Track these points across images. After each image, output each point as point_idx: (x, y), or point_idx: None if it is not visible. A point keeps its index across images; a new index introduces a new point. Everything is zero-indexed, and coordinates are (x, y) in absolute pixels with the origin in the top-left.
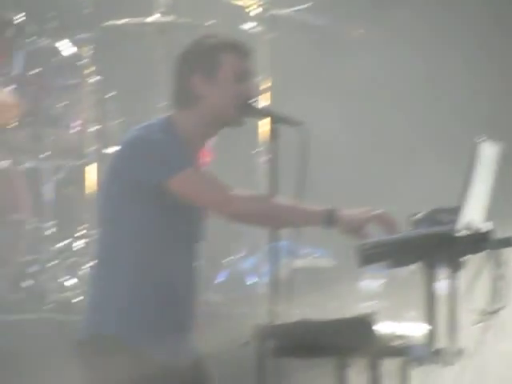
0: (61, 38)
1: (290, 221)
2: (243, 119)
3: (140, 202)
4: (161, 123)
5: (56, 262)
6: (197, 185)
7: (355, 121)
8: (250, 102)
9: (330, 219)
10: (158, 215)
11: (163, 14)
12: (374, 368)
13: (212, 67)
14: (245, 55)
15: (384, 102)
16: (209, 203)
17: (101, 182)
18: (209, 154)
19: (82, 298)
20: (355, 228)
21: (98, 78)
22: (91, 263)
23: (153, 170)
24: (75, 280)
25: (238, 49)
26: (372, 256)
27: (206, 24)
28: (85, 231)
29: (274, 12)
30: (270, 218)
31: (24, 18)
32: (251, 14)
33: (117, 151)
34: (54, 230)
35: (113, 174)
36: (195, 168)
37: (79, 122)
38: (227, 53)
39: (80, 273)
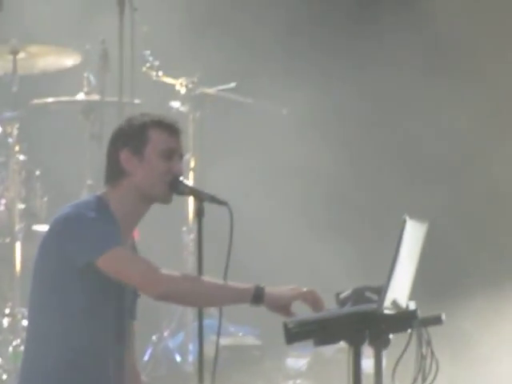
0: None
1: (218, 299)
2: (170, 197)
3: (70, 279)
4: (92, 201)
5: None
6: (124, 265)
7: (281, 198)
8: (177, 179)
9: (257, 297)
10: (88, 293)
11: (88, 93)
12: None
13: (139, 144)
14: (172, 133)
15: (309, 179)
16: (137, 283)
17: (32, 260)
18: (135, 232)
19: (9, 374)
20: (282, 306)
21: (23, 157)
22: (18, 340)
23: (82, 248)
24: (3, 358)
25: (166, 126)
26: (298, 334)
27: (135, 102)
28: (12, 309)
29: (202, 90)
30: (199, 297)
31: None
32: (180, 92)
33: (48, 229)
34: None
35: (43, 251)
36: (124, 247)
37: (5, 199)
38: (155, 130)
39: (7, 350)
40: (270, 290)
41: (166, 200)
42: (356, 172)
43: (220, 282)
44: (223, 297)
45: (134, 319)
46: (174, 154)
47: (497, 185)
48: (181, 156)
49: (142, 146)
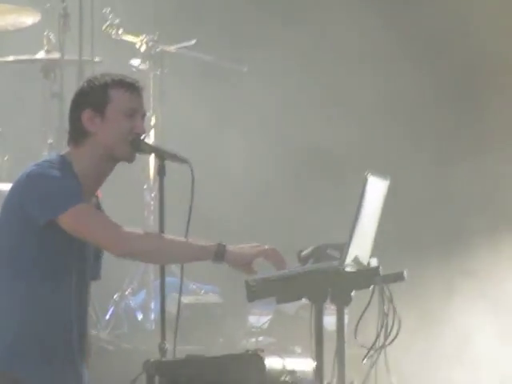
0: None
1: (180, 256)
2: (133, 155)
3: (33, 238)
4: (55, 160)
5: None
6: (88, 221)
7: (244, 153)
8: (139, 138)
9: (219, 254)
10: (50, 252)
11: (48, 51)
12: None
13: (101, 104)
14: (134, 92)
15: (271, 134)
16: (100, 240)
17: None
18: (98, 193)
19: None
20: (244, 263)
21: None
22: None
23: (44, 206)
24: None
25: (127, 85)
26: (260, 291)
27: (95, 60)
28: None
29: (162, 48)
30: (161, 253)
31: None
32: (140, 50)
33: (10, 188)
34: None
35: (6, 209)
36: (87, 204)
37: None
38: (116, 89)
39: None
40: (232, 247)
41: (128, 159)
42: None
43: (182, 239)
44: (185, 254)
45: (97, 279)
46: (135, 113)
47: None
48: (143, 115)
49: (104, 105)
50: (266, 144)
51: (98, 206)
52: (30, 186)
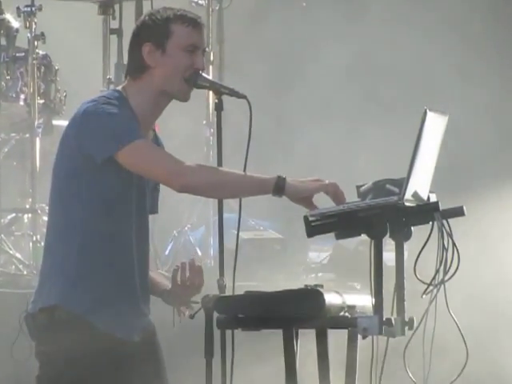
0: (6, 10)
1: (241, 189)
2: (189, 92)
3: (92, 176)
4: (112, 95)
5: (3, 235)
6: (147, 157)
7: (303, 92)
8: (197, 73)
9: (279, 187)
10: (110, 190)
11: None
12: (322, 339)
13: (162, 38)
14: (195, 27)
15: (332, 73)
16: (160, 175)
17: (52, 155)
18: (156, 126)
19: (30, 271)
20: (304, 196)
21: (42, 51)
22: (38, 236)
23: (102, 143)
24: (23, 253)
25: (189, 21)
26: (319, 227)
27: None
28: (32, 204)
29: None
30: (222, 187)
31: None
32: None
33: (68, 124)
34: (1, 203)
35: (63, 146)
36: (145, 139)
37: (24, 95)
38: (178, 24)
39: (28, 246)
40: (292, 180)
41: (183, 97)
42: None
43: (241, 172)
44: (246, 186)
45: (155, 213)
46: (196, 49)
47: None
48: (203, 51)
49: (165, 40)
50: (328, 82)
51: (156, 140)
52: (86, 123)
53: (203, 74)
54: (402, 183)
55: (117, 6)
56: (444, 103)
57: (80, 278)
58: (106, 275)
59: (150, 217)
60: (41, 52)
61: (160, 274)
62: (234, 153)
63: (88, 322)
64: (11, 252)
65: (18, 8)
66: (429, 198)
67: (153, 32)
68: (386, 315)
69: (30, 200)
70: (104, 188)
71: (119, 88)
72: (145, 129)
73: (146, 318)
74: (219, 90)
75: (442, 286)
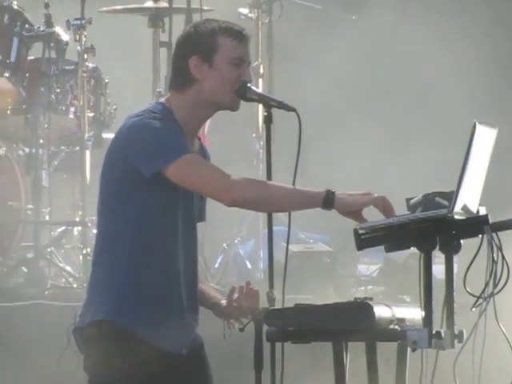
0: (56, 23)
1: (290, 203)
2: (237, 104)
3: (139, 188)
4: (157, 109)
5: (54, 248)
6: (195, 171)
7: (348, 104)
8: (245, 85)
9: (329, 200)
10: (157, 202)
11: (157, 0)
12: (371, 352)
13: (209, 51)
14: (242, 40)
15: (378, 85)
16: (209, 190)
17: (100, 169)
18: (205, 140)
19: (80, 284)
20: (353, 210)
21: (92, 65)
22: (88, 249)
23: (149, 159)
24: (73, 266)
25: (235, 33)
26: (369, 240)
27: (204, 8)
28: (82, 217)
29: None
30: (271, 201)
31: (18, 4)
32: None
33: (114, 138)
34: (51, 216)
35: (111, 161)
36: (193, 154)
37: (74, 108)
38: (224, 37)
39: (78, 259)
40: (342, 194)
41: (233, 107)
42: (430, 76)
43: (291, 186)
44: (295, 200)
45: (202, 220)
46: (242, 62)
47: None
48: (249, 63)
49: (212, 53)
50: (377, 95)
51: (201, 149)
52: (133, 138)
53: (252, 87)
54: (452, 196)
55: (166, 19)
56: (491, 116)
57: (128, 291)
58: (153, 288)
59: (199, 229)
60: (90, 65)
61: (211, 287)
62: (284, 167)
63: (136, 336)
64: (61, 265)
65: (67, 21)
66: (478, 211)
67: (199, 45)
68: (435, 328)
69: (80, 213)
70: (150, 200)
71: (163, 100)
72: (190, 139)
73: (194, 331)
74: (268, 102)
75: (492, 298)
